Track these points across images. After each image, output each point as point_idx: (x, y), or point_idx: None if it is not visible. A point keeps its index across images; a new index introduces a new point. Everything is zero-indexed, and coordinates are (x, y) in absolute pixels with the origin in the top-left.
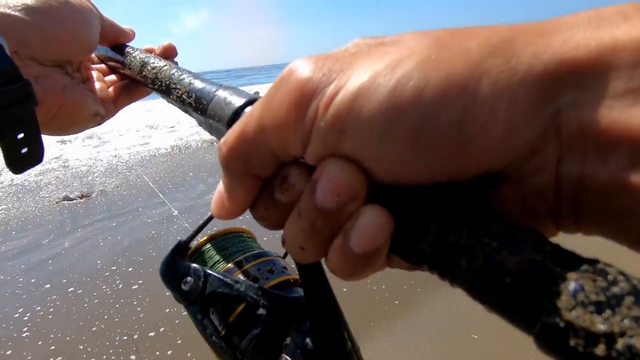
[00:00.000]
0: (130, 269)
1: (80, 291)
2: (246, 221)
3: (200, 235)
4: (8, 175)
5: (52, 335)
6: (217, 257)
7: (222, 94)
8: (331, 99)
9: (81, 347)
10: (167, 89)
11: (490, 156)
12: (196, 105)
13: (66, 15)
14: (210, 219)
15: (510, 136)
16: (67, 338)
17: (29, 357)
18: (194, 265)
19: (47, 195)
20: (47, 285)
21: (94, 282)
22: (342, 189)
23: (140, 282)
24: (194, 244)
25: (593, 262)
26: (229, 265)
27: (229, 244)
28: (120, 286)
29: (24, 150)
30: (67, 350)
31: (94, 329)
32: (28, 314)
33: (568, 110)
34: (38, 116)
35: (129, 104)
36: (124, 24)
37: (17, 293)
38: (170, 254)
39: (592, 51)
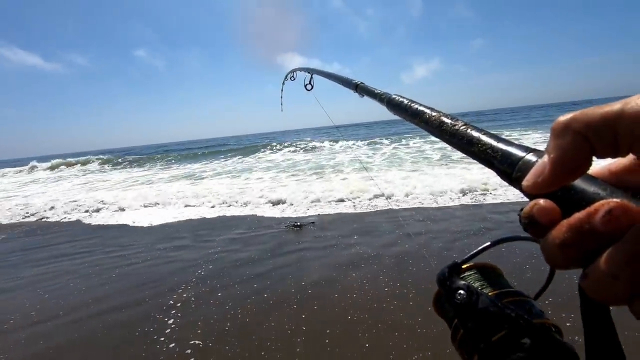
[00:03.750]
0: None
1: (264, 308)
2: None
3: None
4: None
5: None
6: (478, 284)
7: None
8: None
9: None
10: (468, 143)
11: None
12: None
13: None
14: (484, 249)
15: None
16: None
17: None
18: (469, 283)
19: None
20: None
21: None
22: None
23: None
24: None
25: None
26: (490, 294)
27: (489, 275)
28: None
29: None
30: None
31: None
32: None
33: None
34: None
35: None
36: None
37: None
38: (446, 269)
39: None
